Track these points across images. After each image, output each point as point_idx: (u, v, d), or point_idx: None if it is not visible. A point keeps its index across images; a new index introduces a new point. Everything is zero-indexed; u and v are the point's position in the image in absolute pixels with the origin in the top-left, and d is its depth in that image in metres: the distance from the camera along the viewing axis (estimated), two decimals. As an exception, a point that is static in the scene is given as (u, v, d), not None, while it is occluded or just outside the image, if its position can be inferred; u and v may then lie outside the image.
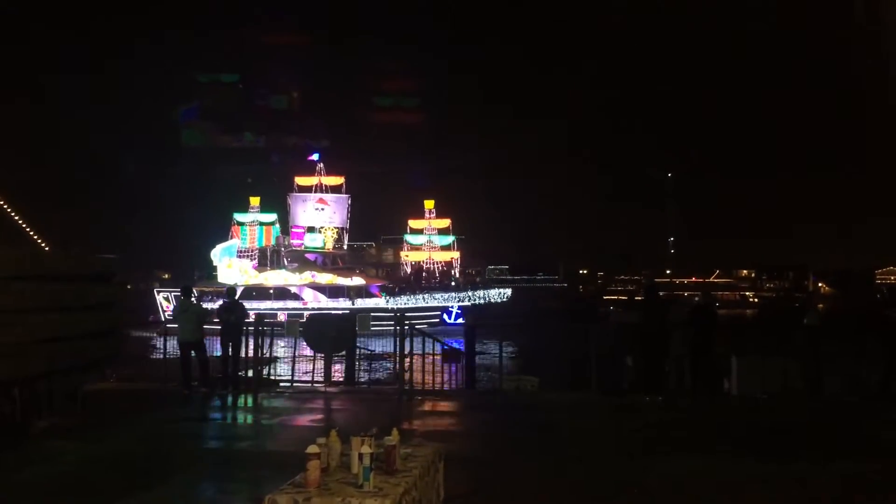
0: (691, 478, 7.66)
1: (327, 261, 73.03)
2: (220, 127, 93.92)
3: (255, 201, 77.47)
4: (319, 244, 75.73)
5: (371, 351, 17.76)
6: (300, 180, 78.79)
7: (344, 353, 15.60)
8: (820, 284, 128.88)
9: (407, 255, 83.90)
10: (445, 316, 65.76)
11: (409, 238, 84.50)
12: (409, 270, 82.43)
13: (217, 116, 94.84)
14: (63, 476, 7.68)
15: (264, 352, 14.59)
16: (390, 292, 68.52)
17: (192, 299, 13.99)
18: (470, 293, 71.22)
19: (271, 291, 66.14)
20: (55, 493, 7.07)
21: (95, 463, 8.26)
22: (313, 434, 4.56)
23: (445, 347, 17.48)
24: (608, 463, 8.30)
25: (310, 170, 78.97)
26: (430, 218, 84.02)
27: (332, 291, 66.16)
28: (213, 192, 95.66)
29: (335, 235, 77.01)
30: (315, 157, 79.45)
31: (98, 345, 10.68)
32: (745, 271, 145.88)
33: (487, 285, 78.25)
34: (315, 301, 64.66)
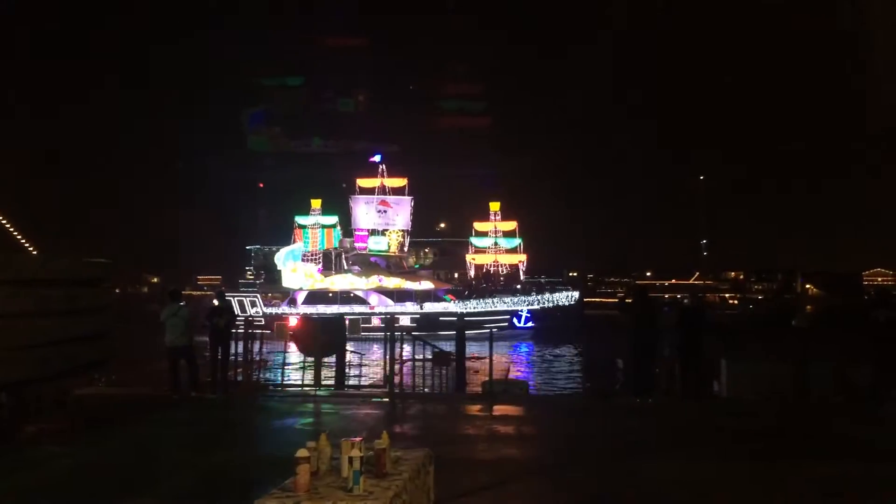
0: (674, 480, 7.69)
1: (390, 264, 71.85)
2: (284, 130, 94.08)
3: (316, 203, 76.73)
4: (384, 247, 74.73)
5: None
6: (362, 182, 77.71)
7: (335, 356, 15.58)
8: (808, 286, 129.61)
9: (473, 258, 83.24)
10: (515, 320, 64.69)
11: (474, 241, 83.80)
12: (472, 273, 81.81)
13: (281, 120, 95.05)
14: (51, 482, 7.64)
15: (254, 356, 14.56)
16: (458, 296, 67.49)
17: (181, 303, 13.92)
18: (538, 296, 69.08)
19: (330, 295, 64.80)
20: (43, 500, 7.03)
21: (84, 469, 8.22)
22: (303, 438, 4.56)
23: (436, 351, 17.45)
24: (593, 465, 8.33)
25: (372, 171, 78.01)
26: (495, 220, 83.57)
27: (399, 296, 65.00)
28: (275, 196, 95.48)
29: (399, 238, 76.03)
30: (377, 158, 78.40)
31: (87, 349, 10.63)
32: (733, 273, 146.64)
33: (554, 288, 76.37)
34: (381, 305, 63.58)
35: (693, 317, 13.51)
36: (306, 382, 14.50)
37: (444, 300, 65.05)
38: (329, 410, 12.31)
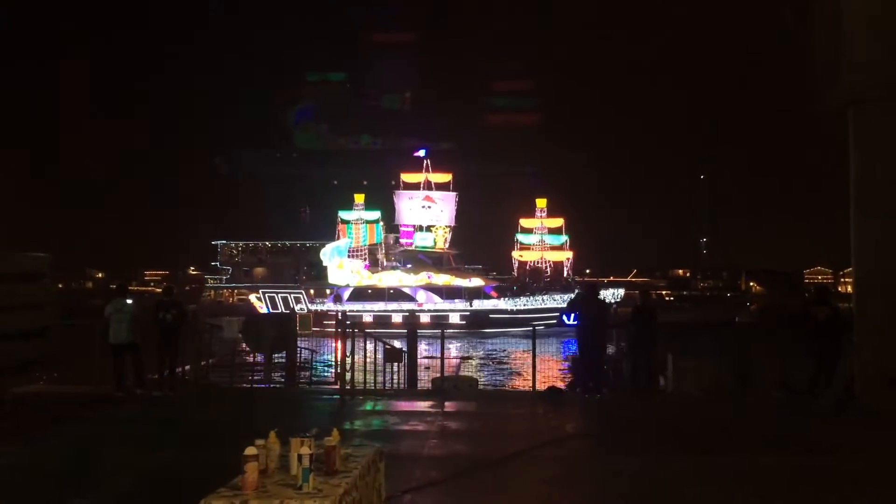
0: (627, 475, 7.83)
1: (441, 260, 70.51)
2: (328, 126, 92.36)
3: (359, 198, 75.55)
4: (430, 243, 73.59)
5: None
6: (406, 177, 76.57)
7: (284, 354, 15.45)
8: (751, 283, 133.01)
9: (520, 255, 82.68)
10: (564, 317, 64.10)
11: (520, 237, 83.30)
12: (516, 271, 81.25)
13: (324, 115, 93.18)
14: (-12, 483, 7.41)
15: (203, 352, 14.34)
16: (506, 293, 66.43)
17: (127, 299, 13.59)
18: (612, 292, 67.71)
19: (369, 292, 63.69)
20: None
21: (21, 469, 7.97)
22: (252, 436, 4.50)
23: (387, 347, 17.42)
24: (540, 460, 8.42)
25: (416, 166, 76.98)
26: (541, 217, 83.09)
27: (449, 293, 63.84)
28: (321, 193, 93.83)
29: (446, 234, 75.07)
30: (422, 153, 77.56)
31: (26, 346, 10.32)
32: (680, 271, 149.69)
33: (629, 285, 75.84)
34: (429, 302, 62.63)
35: (645, 314, 13.73)
36: (256, 379, 14.34)
37: (489, 297, 64.22)
38: (279, 408, 12.18)
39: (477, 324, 56.95)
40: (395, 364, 17.32)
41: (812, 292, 24.00)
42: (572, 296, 13.77)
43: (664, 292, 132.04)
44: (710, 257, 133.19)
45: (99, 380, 13.85)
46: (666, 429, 10.46)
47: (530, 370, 14.77)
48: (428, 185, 75.97)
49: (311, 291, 67.19)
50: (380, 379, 16.55)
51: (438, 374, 16.15)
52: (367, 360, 16.78)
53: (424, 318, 58.40)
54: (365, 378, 15.95)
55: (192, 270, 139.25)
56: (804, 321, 12.23)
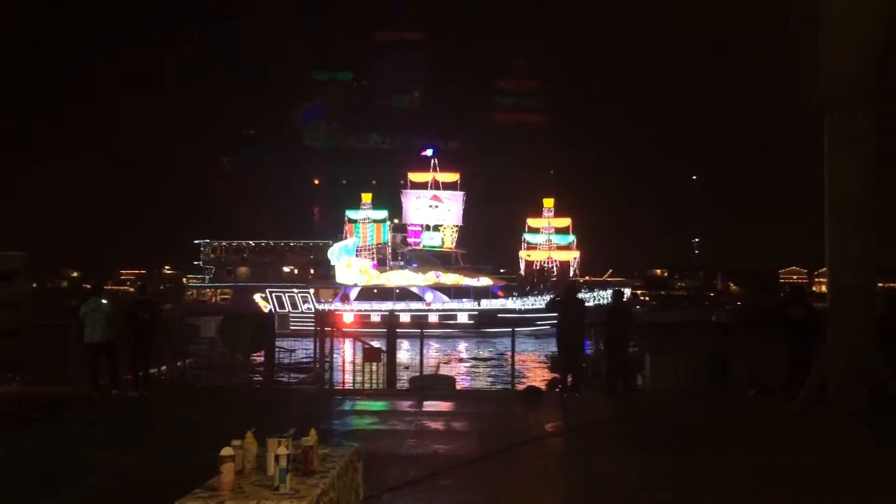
0: (604, 474, 7.88)
1: (444, 260, 69.82)
2: (337, 125, 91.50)
3: (366, 198, 75.19)
4: (437, 243, 73.08)
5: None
6: (413, 176, 75.93)
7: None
8: (728, 283, 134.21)
9: (528, 255, 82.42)
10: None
11: (527, 237, 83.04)
12: (523, 270, 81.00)
13: (333, 114, 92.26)
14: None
15: (180, 352, 14.23)
16: (509, 292, 65.97)
17: (102, 299, 13.43)
18: (594, 293, 66.61)
19: (375, 291, 63.15)
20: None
21: (-5, 470, 7.87)
22: (229, 436, 4.47)
23: (366, 347, 17.35)
24: (520, 459, 8.45)
25: (424, 166, 76.45)
26: (548, 216, 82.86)
27: (457, 292, 63.40)
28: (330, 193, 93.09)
29: (454, 234, 74.33)
30: (429, 152, 76.85)
31: (0, 346, 10.19)
32: (658, 271, 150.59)
33: (605, 285, 74.43)
34: (437, 302, 62.24)
35: (620, 314, 13.82)
36: (234, 380, 14.24)
37: (497, 297, 63.88)
38: (257, 408, 12.10)
39: (485, 323, 56.99)
40: (374, 364, 17.27)
41: (787, 292, 24.31)
42: (552, 296, 13.80)
43: (639, 292, 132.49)
44: (701, 257, 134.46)
45: (74, 380, 13.70)
46: (642, 428, 10.55)
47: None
48: (435, 185, 75.70)
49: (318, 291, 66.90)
50: (359, 378, 16.51)
51: (417, 374, 16.14)
52: (346, 359, 16.71)
53: (433, 318, 58.43)
54: (343, 378, 15.89)
55: (168, 270, 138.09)
56: (780, 320, 12.37)
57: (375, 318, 55.93)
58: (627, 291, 67.17)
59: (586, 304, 14.05)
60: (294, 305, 61.07)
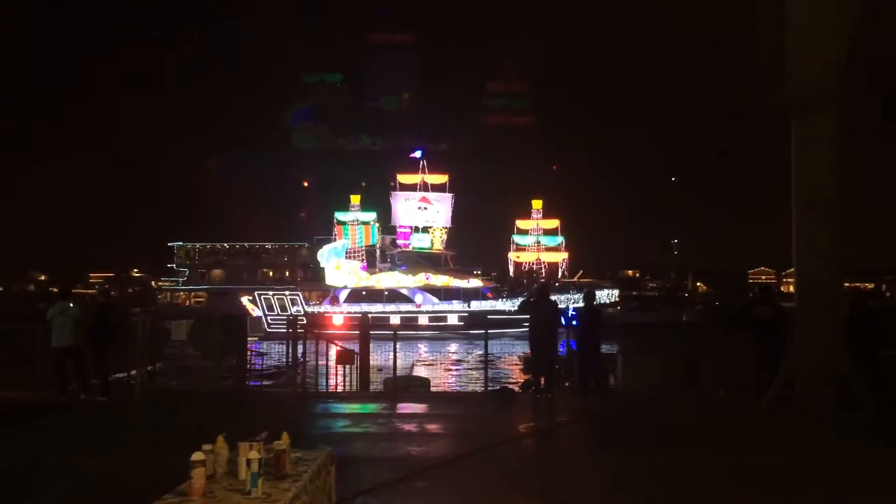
0: (576, 474, 7.93)
1: (434, 262, 69.83)
2: (326, 126, 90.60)
3: (355, 199, 74.77)
4: (427, 244, 73.12)
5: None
6: (402, 178, 75.94)
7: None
8: (698, 284, 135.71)
9: (517, 256, 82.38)
10: (561, 319, 63.33)
11: (516, 238, 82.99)
12: (512, 272, 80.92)
13: (322, 116, 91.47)
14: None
15: (151, 356, 14.05)
16: (498, 294, 65.88)
17: (70, 302, 13.23)
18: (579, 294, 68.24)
19: (364, 294, 62.79)
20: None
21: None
22: (200, 441, 4.43)
23: (339, 349, 17.30)
24: (494, 460, 8.47)
25: (413, 167, 76.40)
26: (537, 218, 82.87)
27: (447, 294, 63.30)
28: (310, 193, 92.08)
29: (443, 236, 74.41)
30: (418, 154, 76.85)
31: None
32: (630, 272, 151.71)
33: (594, 286, 75.71)
34: (427, 303, 61.97)
35: (590, 314, 13.92)
36: (205, 383, 14.09)
37: (487, 298, 63.94)
38: (229, 412, 12.00)
39: (476, 324, 57.13)
40: (347, 366, 17.22)
41: (756, 292, 24.62)
42: (524, 297, 13.88)
43: (616, 292, 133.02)
44: (680, 257, 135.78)
45: (41, 385, 13.48)
46: (615, 428, 10.62)
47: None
48: (424, 187, 75.91)
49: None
50: (332, 381, 16.45)
51: (391, 376, 16.12)
52: (320, 362, 16.64)
53: (423, 320, 58.29)
54: (317, 380, 15.82)
55: (136, 272, 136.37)
56: (749, 320, 12.54)
57: None
58: (609, 294, 67.71)
59: (559, 306, 14.13)
60: (283, 308, 60.72)
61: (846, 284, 15.14)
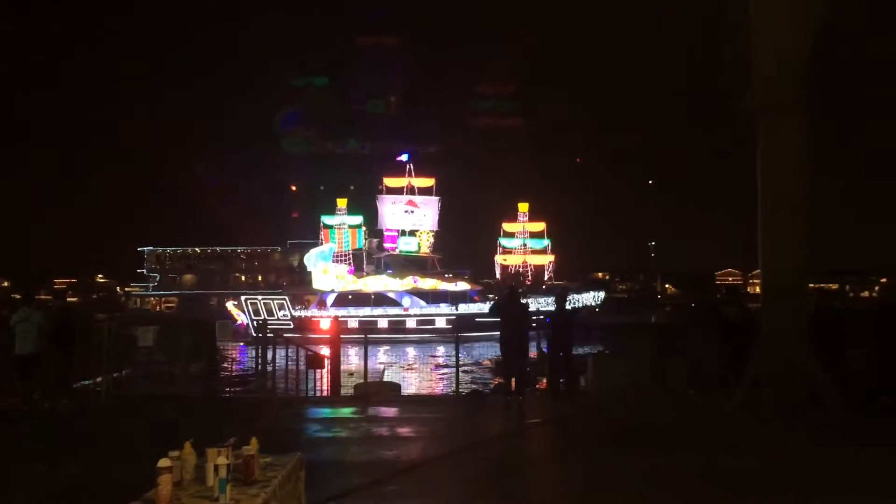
0: (547, 476, 7.94)
1: (421, 265, 69.38)
2: (314, 130, 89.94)
3: (342, 203, 74.31)
4: (413, 248, 72.65)
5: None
6: (389, 181, 75.28)
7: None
8: (667, 286, 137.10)
9: (504, 259, 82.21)
10: (548, 321, 62.89)
11: (503, 241, 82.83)
12: (499, 274, 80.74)
13: (310, 119, 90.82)
14: None
15: (117, 362, 13.84)
16: (486, 297, 64.50)
17: (33, 308, 12.95)
18: (570, 297, 67.37)
19: (350, 297, 61.95)
20: None
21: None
22: (168, 447, 4.36)
23: (309, 353, 17.20)
24: (467, 463, 8.47)
25: (399, 171, 75.74)
26: (523, 221, 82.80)
27: (434, 297, 62.59)
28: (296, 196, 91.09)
29: (430, 239, 73.88)
30: (404, 157, 76.19)
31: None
32: (599, 273, 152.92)
33: (580, 289, 75.52)
34: (415, 307, 61.24)
35: (562, 316, 13.99)
36: (173, 389, 13.91)
37: (474, 301, 63.22)
38: (197, 418, 11.84)
39: (463, 328, 57.09)
40: (318, 371, 17.13)
41: (723, 293, 24.95)
42: (494, 300, 13.93)
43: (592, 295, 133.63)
44: (655, 259, 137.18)
45: (4, 393, 13.19)
46: (587, 429, 10.68)
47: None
48: (411, 190, 75.58)
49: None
50: (302, 386, 16.33)
51: (362, 380, 16.05)
52: (290, 366, 16.52)
53: (410, 323, 58.06)
54: (287, 385, 15.69)
55: (100, 278, 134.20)
56: (716, 321, 12.68)
57: (353, 324, 55.43)
58: (595, 296, 68.17)
59: (529, 308, 14.17)
60: (270, 312, 60.19)
61: (811, 285, 15.38)
